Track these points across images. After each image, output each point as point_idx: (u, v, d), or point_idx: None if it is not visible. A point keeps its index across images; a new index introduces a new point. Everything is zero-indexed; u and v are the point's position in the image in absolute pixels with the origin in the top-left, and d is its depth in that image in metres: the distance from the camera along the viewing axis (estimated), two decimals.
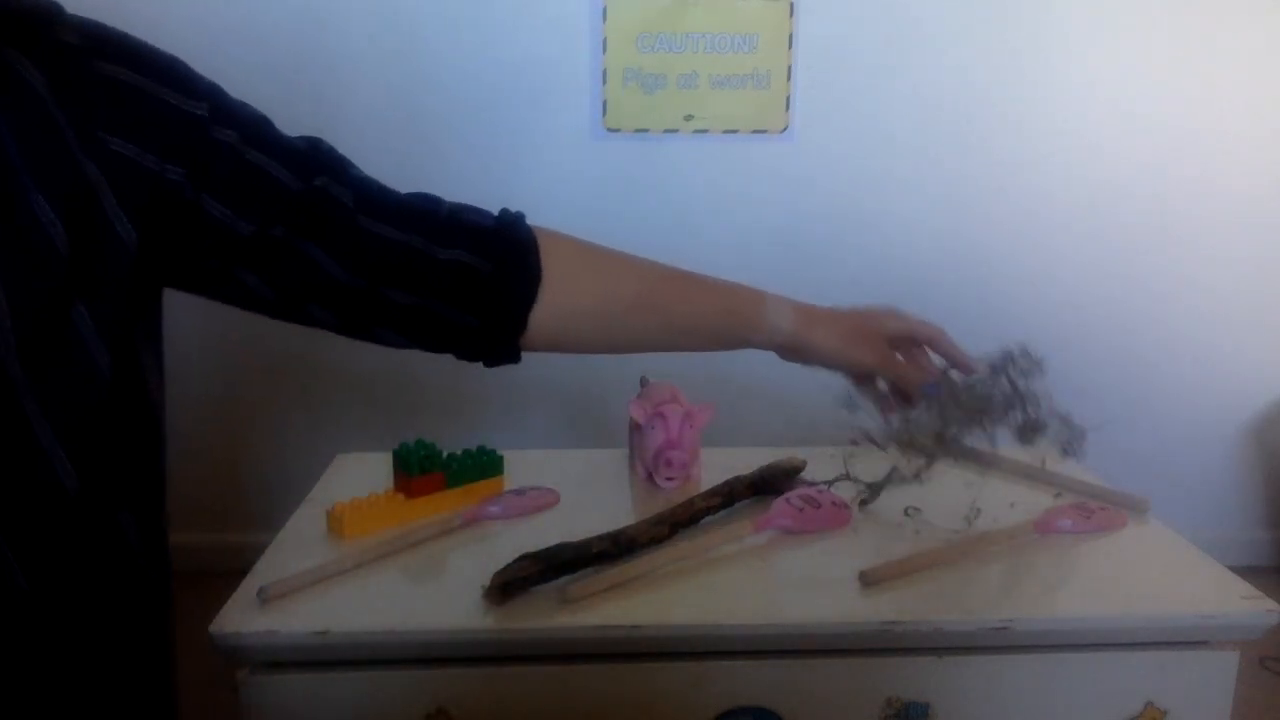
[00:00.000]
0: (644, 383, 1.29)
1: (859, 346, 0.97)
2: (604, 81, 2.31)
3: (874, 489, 1.10)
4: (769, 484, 1.16)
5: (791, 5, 2.29)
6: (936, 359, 1.03)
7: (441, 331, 0.82)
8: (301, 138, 0.77)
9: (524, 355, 0.89)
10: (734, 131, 2.35)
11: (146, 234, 0.64)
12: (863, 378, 1.01)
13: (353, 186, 0.78)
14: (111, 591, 0.68)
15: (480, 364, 0.87)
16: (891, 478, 1.08)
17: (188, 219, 0.67)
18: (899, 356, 1.00)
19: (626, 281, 0.89)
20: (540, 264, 0.83)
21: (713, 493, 1.10)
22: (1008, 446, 1.09)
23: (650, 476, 1.20)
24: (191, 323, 2.38)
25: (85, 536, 0.64)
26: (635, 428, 1.23)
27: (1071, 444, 1.05)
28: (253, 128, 0.73)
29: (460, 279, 0.79)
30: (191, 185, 0.66)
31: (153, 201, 0.64)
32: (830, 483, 1.12)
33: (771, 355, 1.00)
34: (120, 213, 0.62)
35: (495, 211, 0.87)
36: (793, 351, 0.97)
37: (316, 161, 0.76)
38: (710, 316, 0.94)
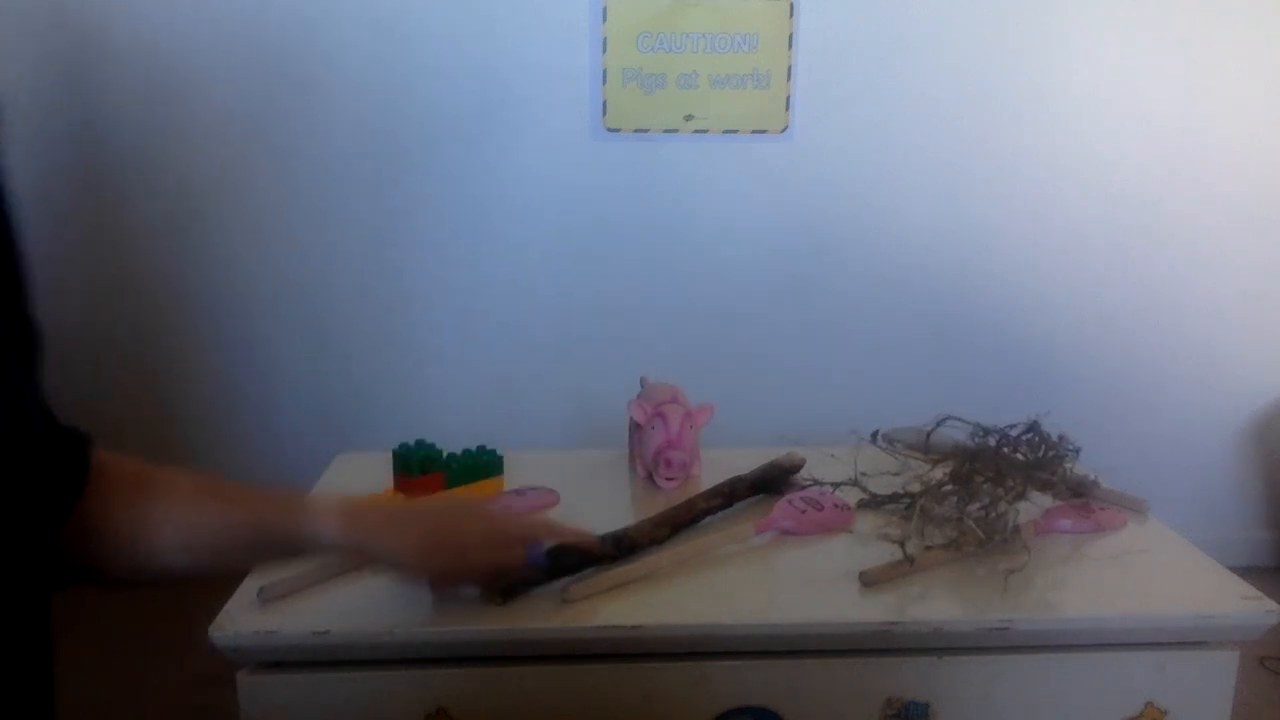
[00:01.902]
0: (644, 383, 1.29)
1: (433, 554, 0.86)
2: (604, 81, 2.31)
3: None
4: (770, 483, 1.16)
5: (791, 5, 2.29)
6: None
7: None
8: None
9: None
10: (734, 131, 2.35)
11: None
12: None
13: None
14: None
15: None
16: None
17: None
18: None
19: (170, 502, 0.76)
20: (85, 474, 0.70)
21: (713, 493, 1.10)
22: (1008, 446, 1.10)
23: (650, 476, 1.20)
24: (190, 324, 2.38)
25: None
26: (635, 428, 1.23)
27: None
28: None
29: None
30: None
31: None
32: (836, 485, 1.12)
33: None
34: None
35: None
36: (363, 556, 0.89)
37: None
38: (242, 532, 0.79)
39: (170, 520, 0.75)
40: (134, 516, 0.73)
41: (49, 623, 0.68)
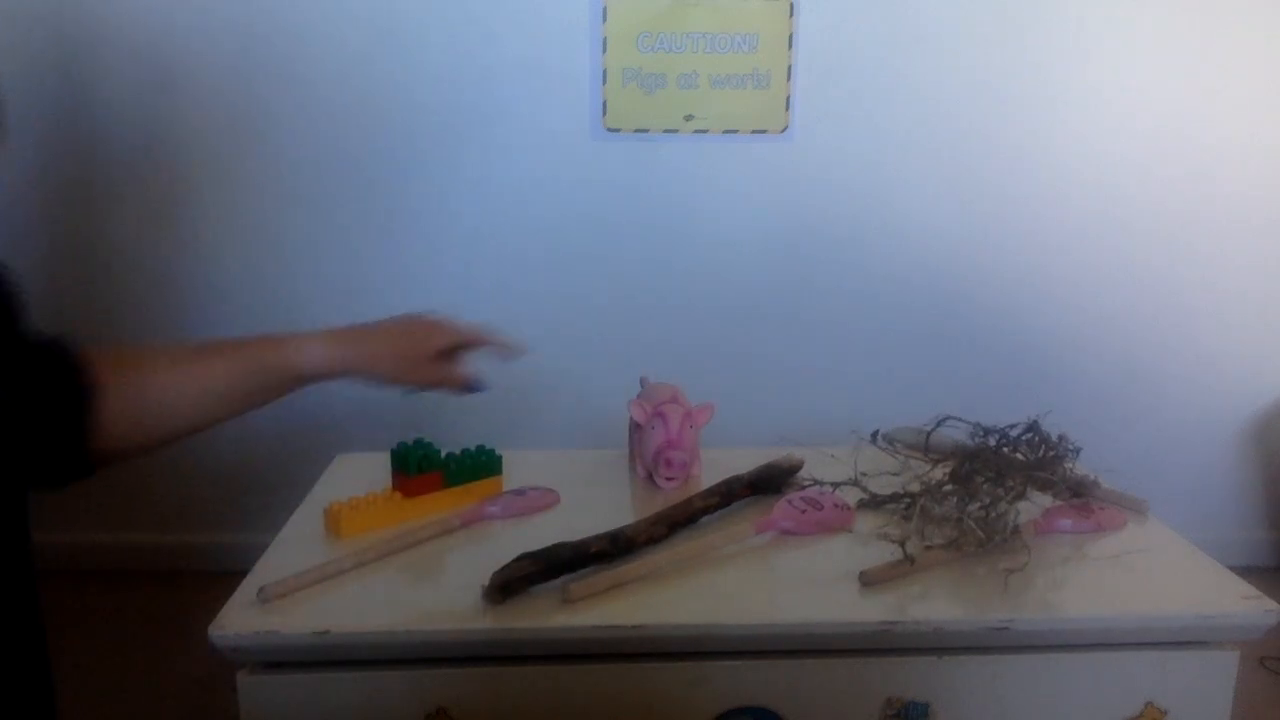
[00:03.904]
0: (644, 383, 1.29)
1: (411, 369, 1.03)
2: (604, 81, 2.31)
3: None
4: (767, 483, 1.16)
5: (791, 5, 2.29)
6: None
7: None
8: None
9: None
10: (734, 131, 2.35)
11: None
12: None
13: None
14: None
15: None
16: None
17: None
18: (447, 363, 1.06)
19: (160, 368, 0.86)
20: (88, 378, 0.77)
21: (710, 492, 1.10)
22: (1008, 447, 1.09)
23: (650, 476, 1.20)
24: (189, 321, 2.38)
25: None
26: (635, 428, 1.23)
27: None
28: None
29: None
30: None
31: None
32: (836, 485, 1.12)
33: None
34: None
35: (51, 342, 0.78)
36: (347, 376, 1.00)
37: None
38: (239, 376, 0.92)
39: (172, 385, 0.85)
40: (137, 394, 0.81)
41: (39, 604, 0.70)
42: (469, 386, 1.08)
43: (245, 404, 0.93)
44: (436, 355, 1.04)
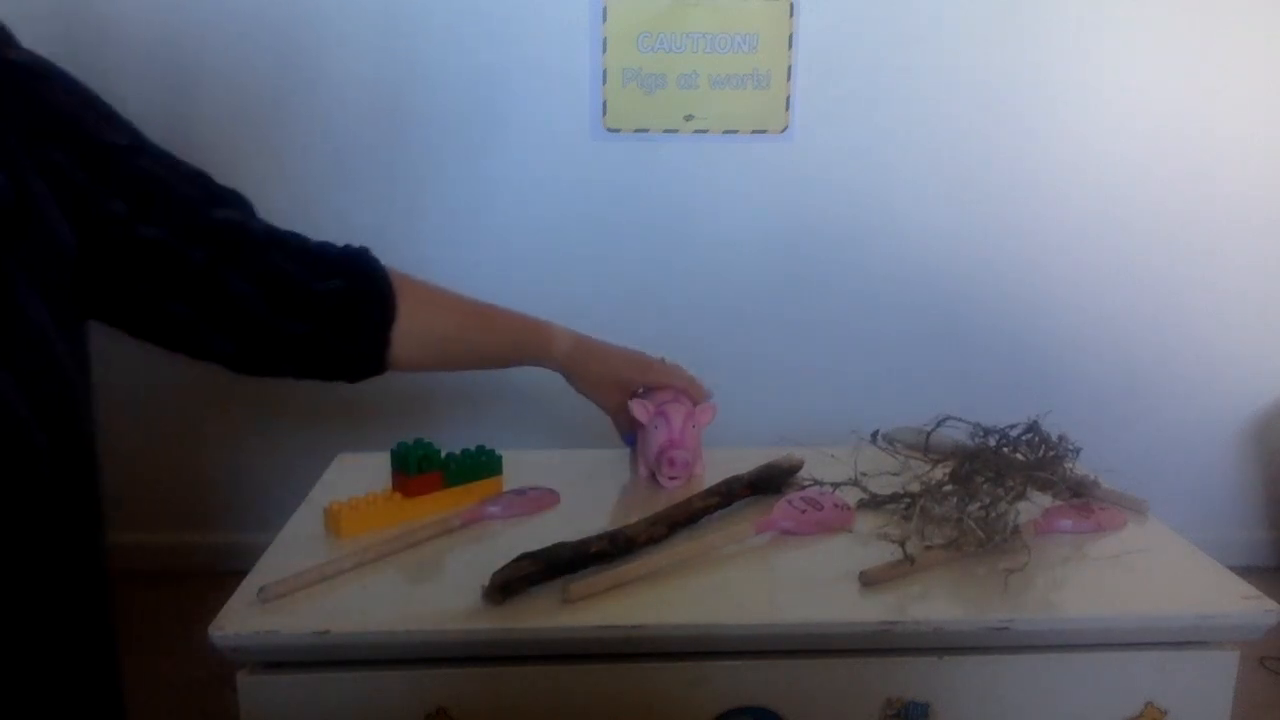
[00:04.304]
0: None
1: (606, 392, 1.20)
2: (604, 81, 2.31)
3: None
4: (768, 483, 1.16)
5: (791, 5, 2.29)
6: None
7: (328, 358, 0.91)
8: (199, 171, 0.81)
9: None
10: (734, 131, 2.35)
11: (80, 247, 0.65)
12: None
13: (253, 220, 0.85)
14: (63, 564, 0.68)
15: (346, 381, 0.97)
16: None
17: (117, 241, 0.69)
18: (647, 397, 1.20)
19: (451, 314, 1.05)
20: (394, 291, 0.96)
21: (711, 492, 1.10)
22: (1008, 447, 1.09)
23: (653, 476, 1.20)
24: None
25: (56, 510, 0.64)
26: (638, 427, 1.23)
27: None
28: (169, 160, 0.78)
29: (340, 307, 0.89)
30: (124, 211, 0.68)
31: (83, 217, 0.66)
32: (836, 485, 1.12)
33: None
34: (61, 217, 0.63)
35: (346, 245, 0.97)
36: (570, 376, 1.17)
37: (221, 197, 0.79)
38: (506, 349, 1.11)
39: (452, 331, 1.04)
40: (425, 327, 0.99)
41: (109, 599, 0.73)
42: (628, 439, 1.23)
43: (490, 364, 1.13)
44: (641, 385, 1.19)
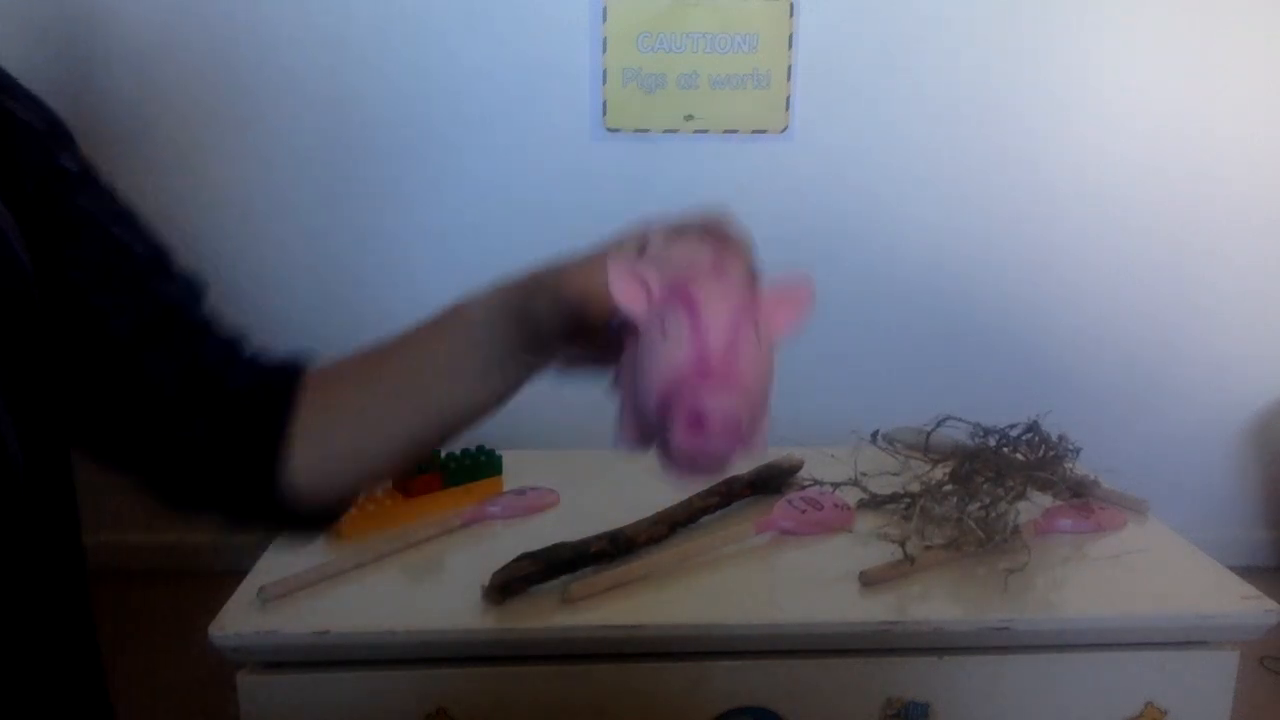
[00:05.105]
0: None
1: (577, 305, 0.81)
2: (604, 81, 2.31)
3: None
4: (767, 483, 1.16)
5: (791, 5, 2.29)
6: None
7: (221, 465, 0.71)
8: (163, 246, 0.72)
9: None
10: (734, 131, 2.35)
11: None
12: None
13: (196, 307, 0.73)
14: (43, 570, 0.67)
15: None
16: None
17: (48, 282, 0.65)
18: None
19: (367, 376, 0.70)
20: (301, 385, 0.69)
21: (710, 492, 1.10)
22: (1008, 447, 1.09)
23: (645, 438, 0.54)
24: None
25: (32, 515, 0.63)
26: (627, 333, 0.55)
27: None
28: (134, 223, 0.71)
29: (239, 404, 0.69)
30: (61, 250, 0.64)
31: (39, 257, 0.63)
32: (836, 485, 1.12)
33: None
34: (21, 250, 0.62)
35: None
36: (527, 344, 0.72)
37: (173, 276, 0.71)
38: (461, 365, 0.68)
39: (352, 404, 0.68)
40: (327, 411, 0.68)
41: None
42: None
43: (461, 399, 0.69)
44: None
